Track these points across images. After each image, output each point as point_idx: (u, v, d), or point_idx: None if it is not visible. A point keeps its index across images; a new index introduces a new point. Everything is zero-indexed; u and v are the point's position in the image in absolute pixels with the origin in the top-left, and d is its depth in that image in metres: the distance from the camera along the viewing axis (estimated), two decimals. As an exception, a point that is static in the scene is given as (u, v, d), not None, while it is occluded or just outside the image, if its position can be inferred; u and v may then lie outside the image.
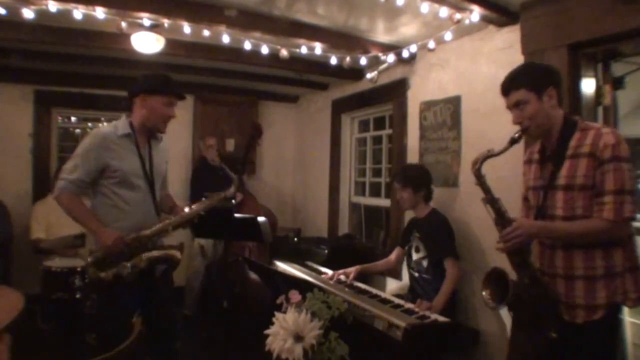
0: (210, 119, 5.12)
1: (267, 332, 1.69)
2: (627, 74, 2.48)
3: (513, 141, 1.90)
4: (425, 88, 3.53)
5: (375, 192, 4.47)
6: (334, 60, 3.38)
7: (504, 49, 2.83)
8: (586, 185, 1.75)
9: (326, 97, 5.03)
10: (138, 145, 2.33)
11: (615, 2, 2.15)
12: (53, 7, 2.56)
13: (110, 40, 3.21)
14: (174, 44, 3.34)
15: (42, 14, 2.61)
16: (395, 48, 3.36)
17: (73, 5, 2.58)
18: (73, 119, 5.07)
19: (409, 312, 2.43)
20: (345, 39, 3.27)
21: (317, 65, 3.85)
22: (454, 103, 3.22)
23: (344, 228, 4.74)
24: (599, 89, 2.47)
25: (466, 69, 3.14)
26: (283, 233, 4.65)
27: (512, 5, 2.64)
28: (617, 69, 2.48)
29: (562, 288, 1.83)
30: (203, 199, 2.52)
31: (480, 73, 3.02)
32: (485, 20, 2.75)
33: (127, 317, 1.66)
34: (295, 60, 3.46)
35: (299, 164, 5.74)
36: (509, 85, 1.90)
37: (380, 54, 3.35)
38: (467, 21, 2.68)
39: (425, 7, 2.60)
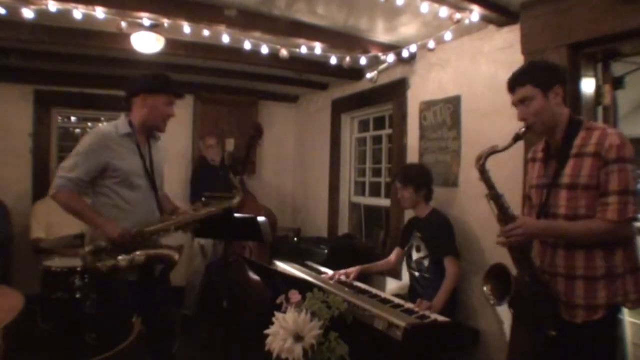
0: (210, 119, 5.11)
1: (267, 332, 1.68)
2: (627, 74, 2.48)
3: (517, 138, 1.90)
4: (425, 88, 3.53)
5: (375, 192, 4.47)
6: (334, 60, 3.38)
7: (504, 49, 2.83)
8: (590, 185, 1.75)
9: (326, 97, 5.03)
10: (139, 145, 2.33)
11: (615, 2, 2.15)
12: (53, 7, 2.56)
13: (110, 40, 3.21)
14: (174, 44, 3.34)
15: (42, 14, 2.61)
16: (395, 48, 3.36)
17: (73, 5, 2.58)
18: (73, 119, 5.07)
19: (409, 312, 2.43)
20: (345, 39, 3.27)
21: (317, 65, 3.85)
22: (454, 103, 3.22)
23: (344, 228, 4.74)
24: (599, 89, 2.47)
25: (466, 69, 3.14)
26: (283, 233, 4.65)
27: (512, 5, 2.64)
28: (617, 69, 2.48)
29: (562, 287, 1.83)
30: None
31: (480, 73, 3.02)
32: (485, 20, 2.75)
33: (126, 317, 1.66)
34: (295, 60, 3.46)
35: (299, 164, 5.74)
36: (516, 82, 1.90)
37: (380, 54, 3.35)
38: (467, 21, 2.68)
39: (425, 7, 2.60)
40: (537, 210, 1.94)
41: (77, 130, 5.04)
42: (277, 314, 1.70)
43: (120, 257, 2.14)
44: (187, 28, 2.89)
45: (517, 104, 1.91)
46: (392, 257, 3.22)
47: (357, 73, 4.05)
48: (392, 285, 3.58)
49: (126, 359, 1.37)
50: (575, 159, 1.80)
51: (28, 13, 2.58)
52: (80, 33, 3.14)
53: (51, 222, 3.92)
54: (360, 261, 3.23)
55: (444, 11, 2.61)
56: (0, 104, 4.40)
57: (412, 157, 3.63)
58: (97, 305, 2.46)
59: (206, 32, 2.99)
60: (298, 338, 1.59)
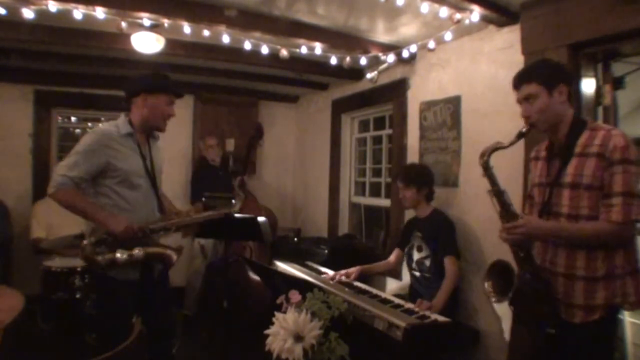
0: (210, 119, 5.11)
1: (267, 332, 1.69)
2: (627, 74, 2.47)
3: (521, 135, 1.91)
4: (425, 88, 3.53)
5: (375, 192, 4.47)
6: (334, 60, 3.38)
7: (504, 49, 2.83)
8: (593, 185, 1.75)
9: (326, 97, 5.03)
10: (139, 144, 2.33)
11: (615, 2, 2.15)
12: (53, 7, 2.56)
13: (110, 40, 3.21)
14: (174, 44, 3.34)
15: (42, 14, 2.61)
16: (395, 48, 3.36)
17: (73, 5, 2.58)
18: (73, 119, 5.07)
19: (409, 312, 2.43)
20: (345, 39, 3.27)
21: (317, 65, 3.85)
22: (454, 103, 3.22)
23: (344, 228, 4.74)
24: (599, 89, 2.47)
25: (466, 69, 3.14)
26: (283, 233, 4.66)
27: (512, 5, 2.64)
28: (617, 69, 2.48)
29: (561, 287, 1.83)
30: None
31: (480, 73, 3.02)
32: (485, 20, 2.75)
33: (126, 317, 1.66)
34: (295, 60, 3.46)
35: (299, 164, 5.74)
36: (521, 79, 1.91)
37: (380, 54, 3.35)
38: (467, 21, 2.68)
39: (425, 7, 2.60)
40: (539, 209, 1.94)
41: (77, 130, 5.04)
42: (277, 314, 1.70)
43: (118, 252, 2.13)
44: (187, 28, 2.89)
45: (521, 100, 1.92)
46: (392, 258, 3.22)
47: (357, 73, 4.05)
48: (392, 285, 3.58)
49: (126, 359, 1.37)
50: (578, 158, 1.81)
51: (28, 13, 2.58)
52: (80, 33, 3.14)
53: (51, 222, 3.92)
54: (360, 261, 3.23)
55: (444, 11, 2.61)
56: (0, 104, 4.41)
57: (412, 157, 3.63)
58: (97, 305, 2.46)
59: (206, 32, 2.99)
60: (298, 338, 1.59)
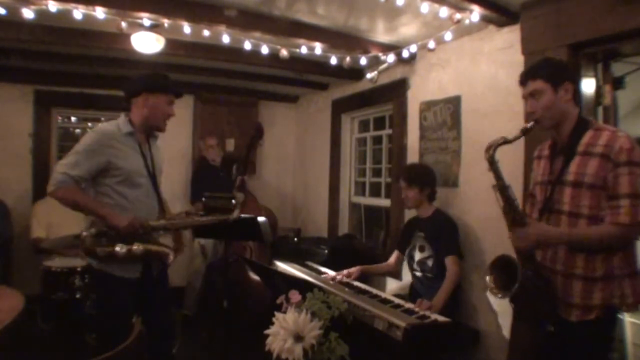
0: (210, 119, 5.11)
1: (267, 332, 1.69)
2: (627, 74, 2.48)
3: (525, 131, 1.93)
4: (425, 88, 3.53)
5: (375, 192, 4.47)
6: (334, 60, 3.38)
7: (504, 49, 2.83)
8: (595, 185, 1.76)
9: (326, 97, 5.03)
10: (140, 144, 2.34)
11: (615, 2, 2.15)
12: (53, 7, 2.56)
13: (110, 40, 3.21)
14: (174, 44, 3.34)
15: (42, 14, 2.61)
16: (395, 48, 3.36)
17: (73, 5, 2.58)
18: (73, 119, 5.08)
19: (409, 312, 2.43)
20: (345, 39, 3.27)
21: (317, 65, 3.85)
22: (454, 103, 3.22)
23: (344, 228, 4.74)
24: (599, 89, 2.47)
25: (466, 69, 3.14)
26: (283, 233, 4.66)
27: (512, 5, 2.64)
28: (617, 69, 2.48)
29: (560, 285, 1.84)
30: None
31: (480, 73, 3.02)
32: (485, 20, 2.75)
33: (126, 317, 1.66)
34: (295, 60, 3.46)
35: (299, 164, 5.74)
36: (527, 75, 1.93)
37: (380, 54, 3.35)
38: (467, 21, 2.68)
39: (425, 7, 2.60)
40: (541, 206, 1.95)
41: (77, 130, 5.04)
42: (277, 314, 1.70)
43: (118, 246, 2.12)
44: (187, 28, 2.89)
45: (527, 97, 1.93)
46: (392, 260, 3.22)
47: (357, 73, 4.05)
48: (392, 285, 3.58)
49: (126, 359, 1.37)
50: (581, 157, 1.81)
51: (28, 13, 2.58)
52: (80, 33, 3.14)
53: (51, 222, 3.92)
54: (360, 261, 3.23)
55: (444, 11, 2.61)
56: (0, 104, 4.41)
57: (412, 157, 3.63)
58: (97, 305, 2.45)
59: (206, 32, 2.99)
60: (298, 338, 1.59)
